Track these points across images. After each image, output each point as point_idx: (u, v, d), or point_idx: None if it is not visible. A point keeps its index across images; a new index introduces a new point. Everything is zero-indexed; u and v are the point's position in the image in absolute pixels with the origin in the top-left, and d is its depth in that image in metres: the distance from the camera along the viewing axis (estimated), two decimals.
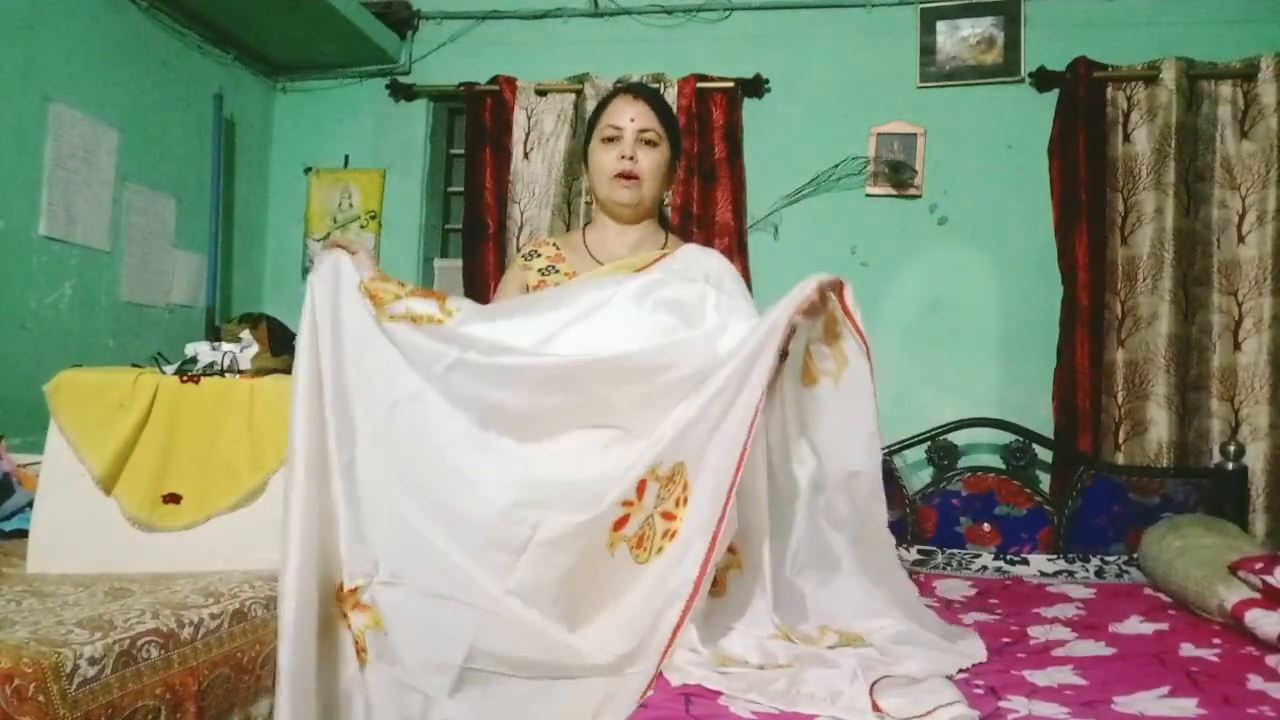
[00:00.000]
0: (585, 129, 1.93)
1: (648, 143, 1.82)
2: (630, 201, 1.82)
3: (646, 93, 1.90)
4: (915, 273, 3.14)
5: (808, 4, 3.24)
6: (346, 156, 3.59)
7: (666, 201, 1.92)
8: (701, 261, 1.76)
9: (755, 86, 3.23)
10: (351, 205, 3.57)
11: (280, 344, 3.18)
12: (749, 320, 1.60)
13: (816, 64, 3.23)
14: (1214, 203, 2.91)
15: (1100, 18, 3.05)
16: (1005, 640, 1.84)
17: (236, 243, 3.50)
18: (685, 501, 1.50)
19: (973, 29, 3.12)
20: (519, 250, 1.96)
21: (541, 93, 3.28)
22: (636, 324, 1.58)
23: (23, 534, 1.85)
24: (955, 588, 2.34)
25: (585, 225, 1.97)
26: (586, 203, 1.89)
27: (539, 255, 1.90)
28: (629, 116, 1.82)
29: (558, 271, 1.84)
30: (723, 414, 1.48)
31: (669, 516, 1.51)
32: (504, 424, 1.57)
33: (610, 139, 1.83)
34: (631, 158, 1.80)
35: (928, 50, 3.15)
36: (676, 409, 1.52)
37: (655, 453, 1.49)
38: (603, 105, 1.90)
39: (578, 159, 3.26)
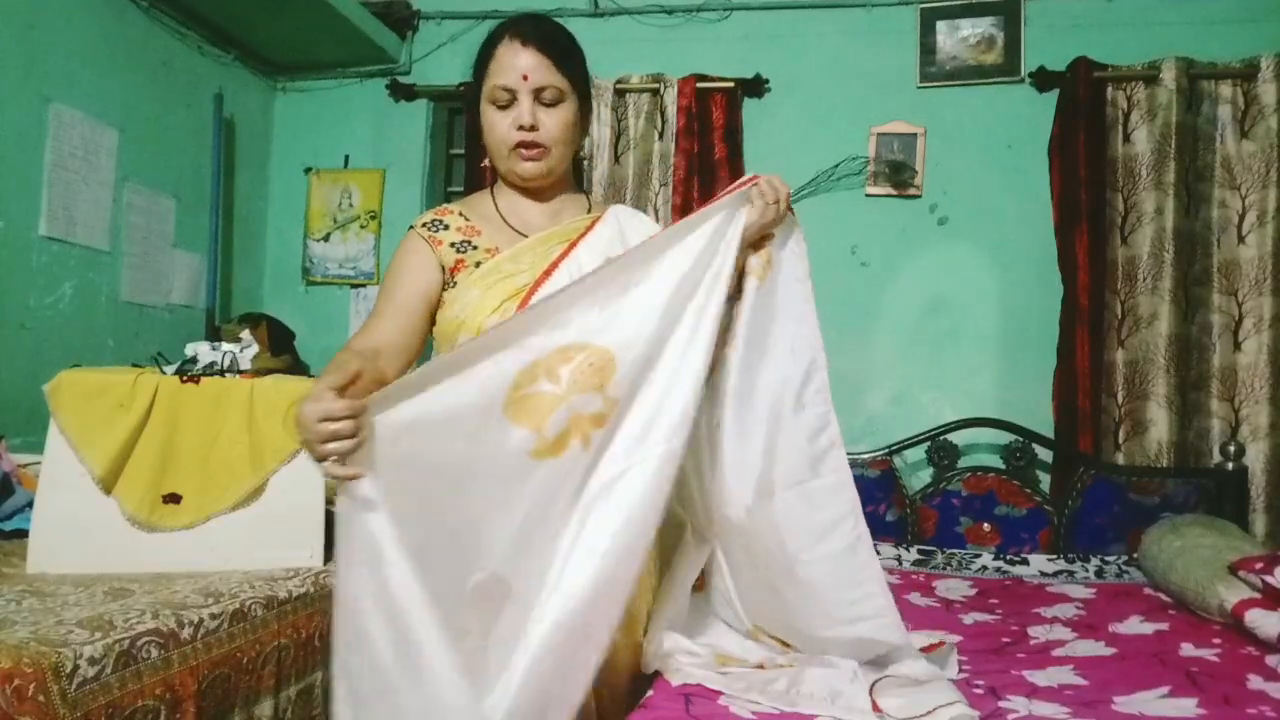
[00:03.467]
0: (473, 76, 1.55)
1: (548, 103, 1.47)
2: (536, 175, 1.50)
3: (538, 35, 1.48)
4: (915, 273, 3.14)
5: (808, 4, 3.24)
6: (346, 156, 3.59)
7: (582, 154, 1.62)
8: (639, 224, 1.58)
9: (755, 86, 3.23)
10: (351, 205, 3.57)
11: (280, 344, 3.18)
12: None
13: (816, 64, 3.23)
14: (1214, 203, 2.91)
15: (1100, 18, 3.05)
16: (1005, 640, 1.84)
17: (236, 243, 3.50)
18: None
19: (973, 29, 3.12)
20: (415, 222, 1.55)
21: None
22: None
23: (23, 534, 1.85)
24: (955, 588, 2.34)
25: (492, 188, 1.61)
26: (482, 165, 1.66)
27: (445, 226, 1.52)
28: (520, 72, 1.45)
29: (475, 248, 1.50)
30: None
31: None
32: None
33: (502, 105, 1.47)
34: (531, 126, 1.46)
35: (928, 50, 3.14)
36: None
37: None
38: (487, 53, 1.50)
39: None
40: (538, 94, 1.46)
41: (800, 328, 1.49)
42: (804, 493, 1.44)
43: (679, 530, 1.56)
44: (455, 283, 1.47)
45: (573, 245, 1.48)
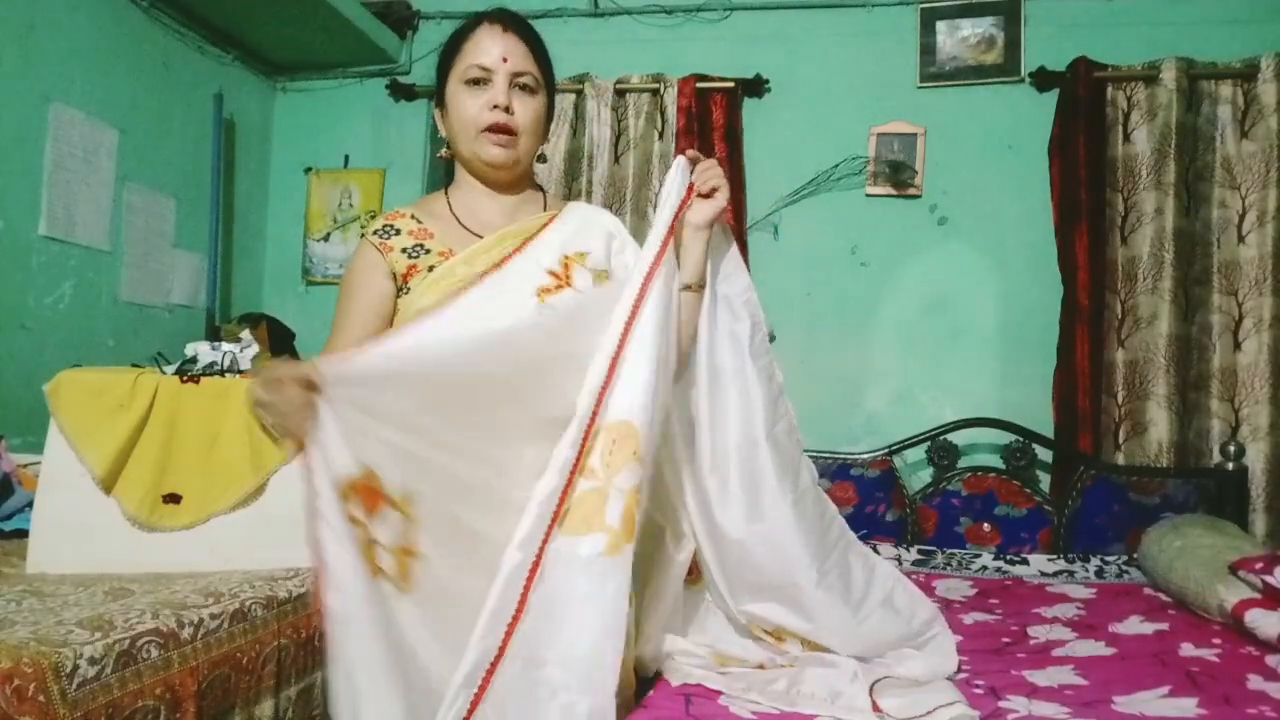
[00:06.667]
0: (439, 62, 1.52)
1: (524, 89, 1.46)
2: (504, 161, 1.46)
3: (519, 24, 1.50)
4: (915, 273, 3.14)
5: (808, 4, 3.24)
6: (346, 156, 3.59)
7: (542, 151, 1.58)
8: (598, 220, 1.55)
9: (755, 86, 3.23)
10: (351, 205, 3.57)
11: (280, 344, 3.18)
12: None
13: (816, 64, 3.23)
14: (1214, 203, 2.91)
15: (1100, 18, 3.05)
16: (1005, 640, 1.84)
17: (236, 243, 3.50)
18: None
19: (973, 29, 3.12)
20: (367, 229, 1.54)
21: None
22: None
23: (23, 534, 1.85)
24: (955, 588, 2.34)
25: (447, 188, 1.57)
26: (440, 156, 1.61)
27: (397, 231, 1.48)
28: (500, 54, 1.44)
29: (428, 251, 1.46)
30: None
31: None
32: None
33: (476, 81, 1.44)
34: (506, 108, 1.43)
35: (928, 50, 3.14)
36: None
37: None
38: (462, 36, 1.49)
39: (578, 158, 3.26)
40: (515, 78, 1.45)
41: (732, 286, 1.52)
42: (773, 439, 1.48)
43: (657, 538, 1.53)
44: (409, 289, 1.44)
45: (526, 242, 1.44)
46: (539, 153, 1.57)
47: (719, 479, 1.46)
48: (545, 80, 1.51)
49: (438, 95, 1.53)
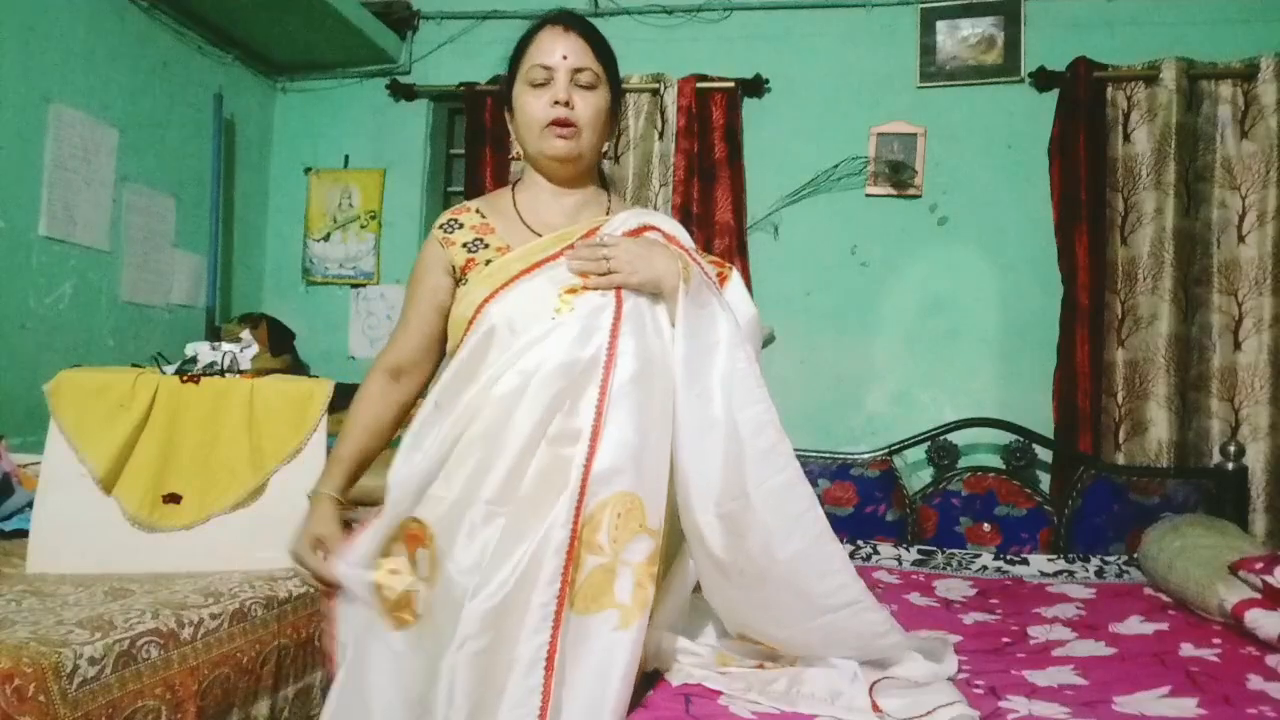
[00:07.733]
0: (508, 67, 1.58)
1: (585, 85, 1.51)
2: (567, 155, 1.50)
3: (580, 24, 1.56)
4: (915, 273, 3.14)
5: (808, 4, 3.24)
6: (346, 156, 3.59)
7: (605, 152, 1.61)
8: (645, 221, 1.53)
9: (755, 86, 3.23)
10: (351, 205, 3.57)
11: (280, 344, 3.19)
12: None
13: (816, 64, 3.23)
14: (1214, 203, 2.91)
15: (1100, 18, 3.05)
16: (1005, 640, 1.84)
17: (236, 243, 3.50)
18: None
19: (973, 29, 3.12)
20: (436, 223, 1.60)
21: None
22: None
23: (23, 534, 1.85)
24: (955, 588, 2.34)
25: (514, 184, 1.62)
26: (512, 158, 1.65)
27: (460, 226, 1.55)
28: (560, 53, 1.49)
29: (487, 246, 1.51)
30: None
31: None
32: None
33: (539, 81, 1.49)
34: (566, 103, 1.48)
35: (928, 50, 3.15)
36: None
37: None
38: (526, 40, 1.55)
39: None
40: (575, 75, 1.50)
41: (712, 337, 1.41)
42: (762, 495, 1.36)
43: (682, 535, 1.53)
44: (466, 280, 1.49)
45: (570, 247, 1.46)
46: (605, 149, 1.60)
47: (709, 528, 1.39)
48: (608, 77, 1.55)
49: (507, 99, 1.58)
